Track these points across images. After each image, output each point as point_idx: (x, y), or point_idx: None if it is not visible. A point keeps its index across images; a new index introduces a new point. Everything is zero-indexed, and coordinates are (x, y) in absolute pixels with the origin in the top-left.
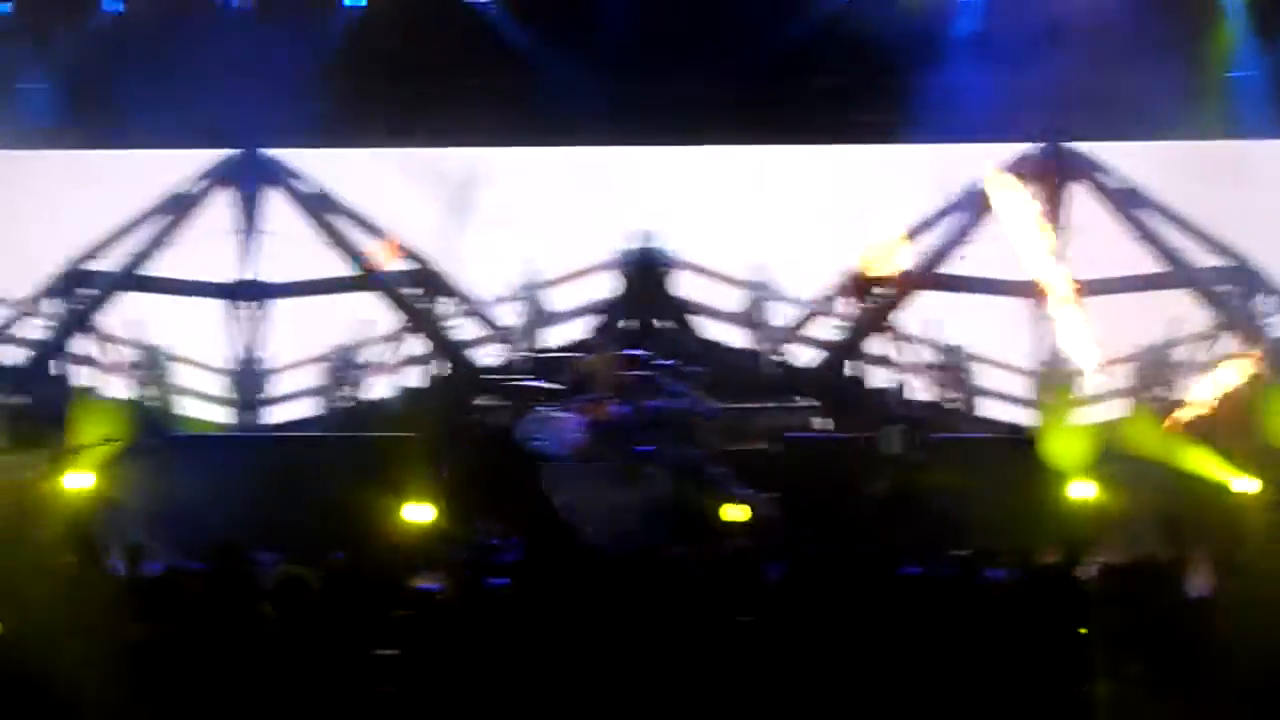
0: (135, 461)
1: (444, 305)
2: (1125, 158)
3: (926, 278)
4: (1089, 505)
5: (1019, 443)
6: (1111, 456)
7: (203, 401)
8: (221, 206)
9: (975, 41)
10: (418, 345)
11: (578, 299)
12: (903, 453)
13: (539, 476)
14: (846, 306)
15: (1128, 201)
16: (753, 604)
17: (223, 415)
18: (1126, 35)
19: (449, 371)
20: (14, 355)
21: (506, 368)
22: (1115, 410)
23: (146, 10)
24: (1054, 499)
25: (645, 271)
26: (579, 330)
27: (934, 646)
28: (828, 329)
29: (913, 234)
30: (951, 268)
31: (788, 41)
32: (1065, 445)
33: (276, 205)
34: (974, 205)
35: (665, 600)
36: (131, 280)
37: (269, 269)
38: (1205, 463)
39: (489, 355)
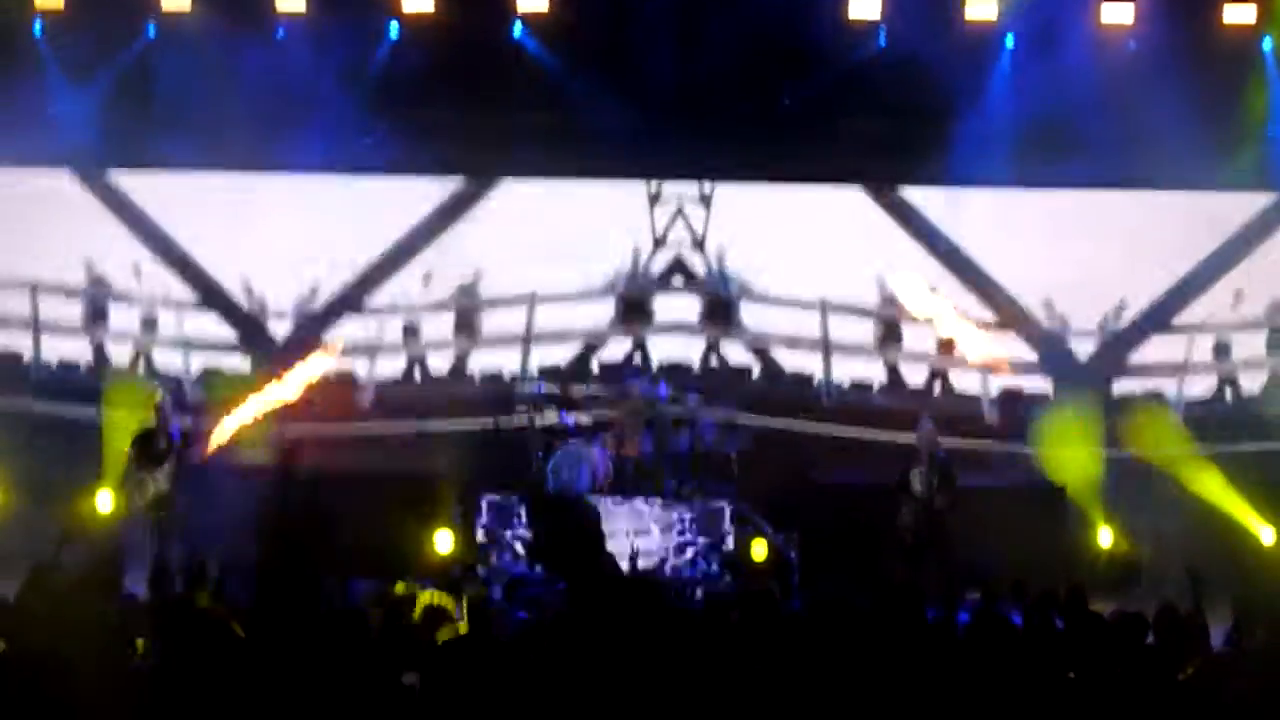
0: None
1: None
2: (1156, 207)
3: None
4: (1112, 554)
5: (1045, 490)
6: (1137, 505)
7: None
8: None
9: (1009, 89)
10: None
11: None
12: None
13: (567, 511)
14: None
15: None
16: (771, 643)
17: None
18: (1162, 85)
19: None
20: None
21: (536, 403)
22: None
23: (186, 36)
24: (1078, 546)
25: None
26: (611, 366)
27: (947, 689)
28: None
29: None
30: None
31: (820, 85)
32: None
33: None
34: None
35: (685, 636)
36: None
37: None
38: (1230, 511)
39: (520, 390)
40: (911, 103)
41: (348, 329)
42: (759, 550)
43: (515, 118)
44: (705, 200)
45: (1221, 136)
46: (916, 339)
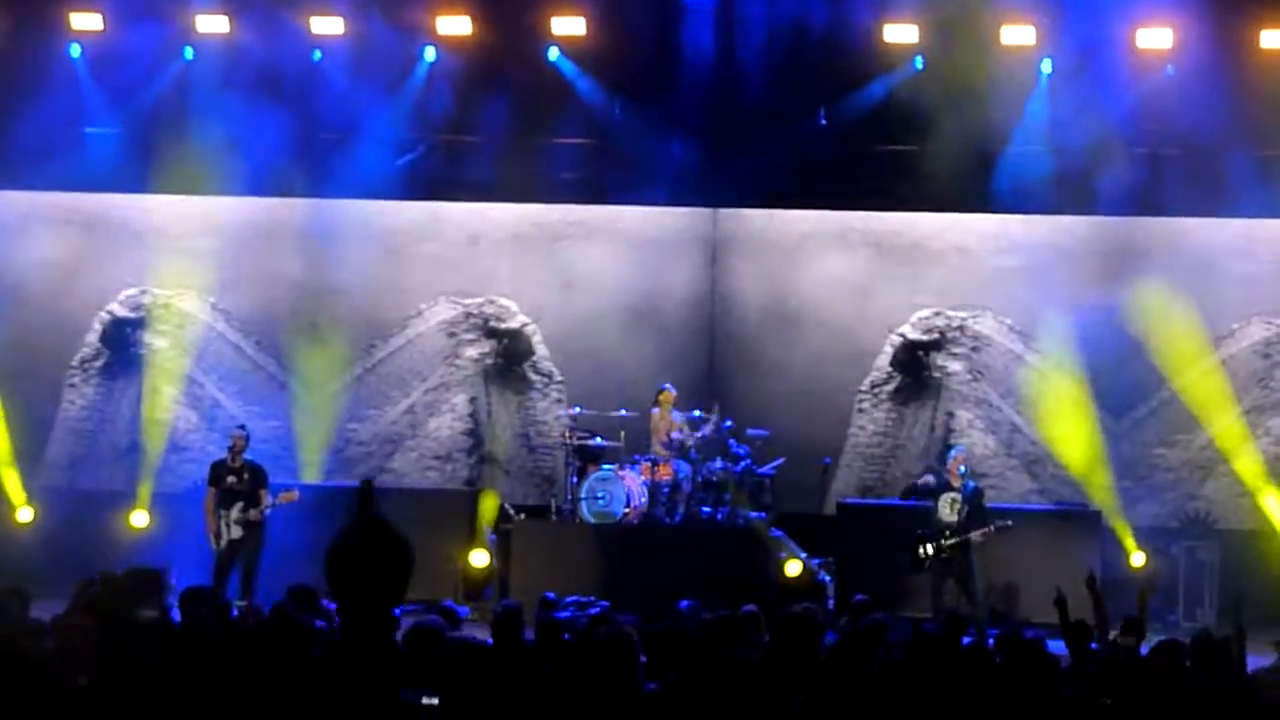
0: None
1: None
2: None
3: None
4: (1147, 580)
5: (1078, 515)
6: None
7: None
8: None
9: (1043, 117)
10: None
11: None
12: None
13: (602, 538)
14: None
15: None
16: (808, 672)
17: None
18: (1202, 109)
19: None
20: None
21: (571, 427)
22: None
23: (225, 58)
24: (1114, 573)
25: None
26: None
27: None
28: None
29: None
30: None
31: (856, 110)
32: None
33: None
34: None
35: (720, 662)
36: None
37: None
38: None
39: (555, 415)
40: (943, 130)
41: None
42: (793, 568)
43: (551, 142)
44: None
45: (1263, 161)
46: None
